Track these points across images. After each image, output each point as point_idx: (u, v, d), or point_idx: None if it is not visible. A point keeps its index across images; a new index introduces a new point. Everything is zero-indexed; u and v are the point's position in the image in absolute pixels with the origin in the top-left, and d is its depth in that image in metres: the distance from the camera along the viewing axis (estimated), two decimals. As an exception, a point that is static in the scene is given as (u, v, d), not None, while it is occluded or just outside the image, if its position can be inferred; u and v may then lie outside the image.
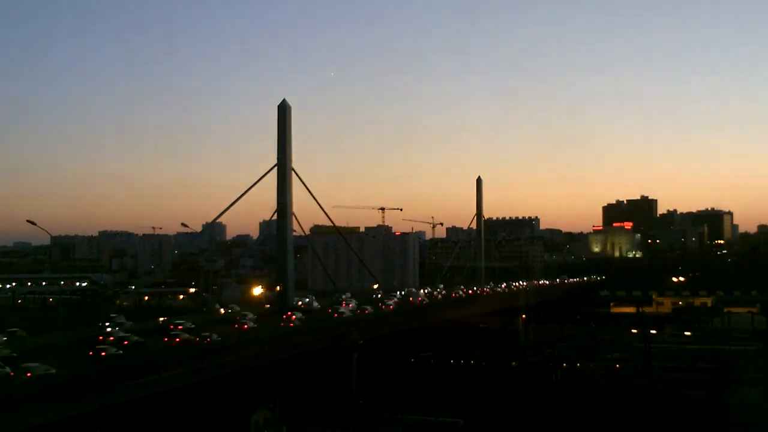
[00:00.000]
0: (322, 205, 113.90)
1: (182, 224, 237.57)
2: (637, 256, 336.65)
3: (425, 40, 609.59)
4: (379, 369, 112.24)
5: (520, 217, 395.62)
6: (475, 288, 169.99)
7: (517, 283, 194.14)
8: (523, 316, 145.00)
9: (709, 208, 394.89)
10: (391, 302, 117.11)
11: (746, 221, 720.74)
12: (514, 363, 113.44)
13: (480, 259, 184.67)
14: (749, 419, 73.15)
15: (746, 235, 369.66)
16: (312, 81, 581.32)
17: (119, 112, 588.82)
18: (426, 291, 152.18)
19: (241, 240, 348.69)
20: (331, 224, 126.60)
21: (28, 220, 67.57)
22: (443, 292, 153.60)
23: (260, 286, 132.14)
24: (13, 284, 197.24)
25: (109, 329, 74.32)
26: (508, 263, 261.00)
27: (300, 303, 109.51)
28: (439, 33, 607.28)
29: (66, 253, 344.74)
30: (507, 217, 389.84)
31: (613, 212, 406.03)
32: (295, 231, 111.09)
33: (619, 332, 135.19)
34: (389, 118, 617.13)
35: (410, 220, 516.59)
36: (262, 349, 70.56)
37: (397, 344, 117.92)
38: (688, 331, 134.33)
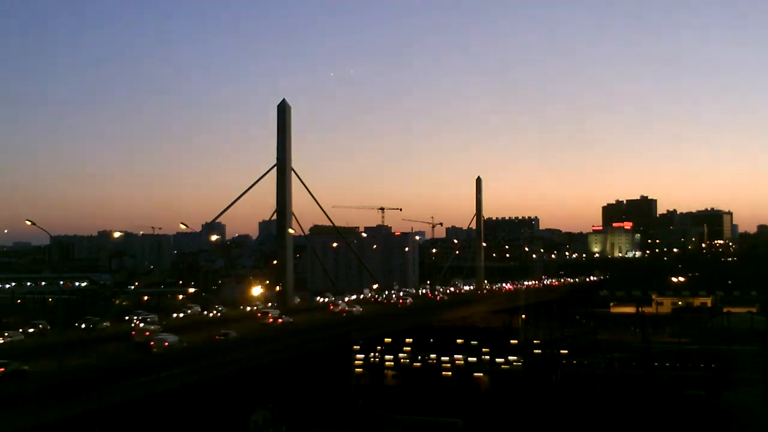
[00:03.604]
0: (322, 205, 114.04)
1: (182, 224, 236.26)
2: (637, 256, 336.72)
3: (425, 40, 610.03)
4: (379, 369, 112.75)
5: (520, 217, 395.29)
6: (470, 288, 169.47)
7: (516, 283, 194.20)
8: (523, 316, 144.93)
9: (709, 208, 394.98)
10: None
11: (746, 221, 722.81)
12: (514, 363, 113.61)
13: (479, 259, 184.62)
14: (748, 419, 73.14)
15: (746, 235, 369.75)
16: (312, 81, 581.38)
17: (119, 112, 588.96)
18: (402, 292, 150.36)
19: (241, 240, 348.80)
20: (331, 224, 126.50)
21: (28, 220, 67.08)
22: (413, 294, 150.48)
23: (259, 286, 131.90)
24: (13, 284, 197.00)
25: None
26: (508, 263, 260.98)
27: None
28: (439, 33, 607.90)
29: (66, 253, 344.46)
30: (507, 217, 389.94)
31: (613, 212, 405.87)
32: (294, 231, 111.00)
33: (619, 332, 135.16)
34: (389, 118, 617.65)
35: (410, 220, 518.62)
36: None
37: (397, 344, 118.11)
38: (687, 331, 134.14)
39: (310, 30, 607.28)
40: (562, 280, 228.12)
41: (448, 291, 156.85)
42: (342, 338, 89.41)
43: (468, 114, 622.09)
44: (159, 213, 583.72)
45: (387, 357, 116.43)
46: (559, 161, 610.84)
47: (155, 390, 53.83)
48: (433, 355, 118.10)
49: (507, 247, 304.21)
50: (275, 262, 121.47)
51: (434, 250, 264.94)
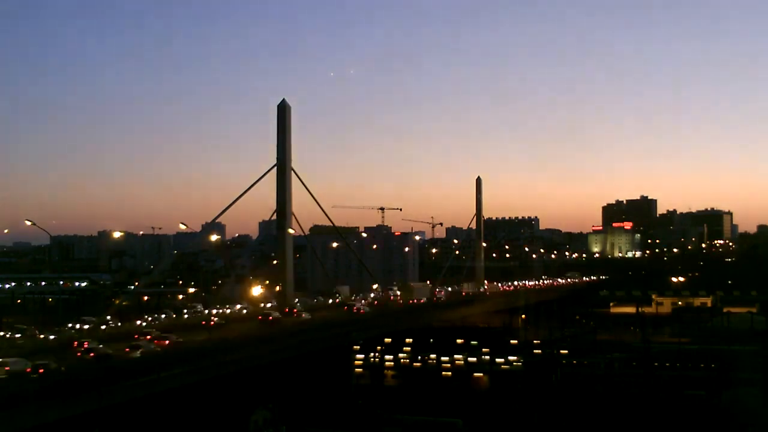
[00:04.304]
0: (322, 205, 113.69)
1: (182, 224, 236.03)
2: (637, 256, 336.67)
3: (425, 40, 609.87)
4: (379, 369, 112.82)
5: (520, 217, 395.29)
6: (465, 288, 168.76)
7: (516, 283, 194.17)
8: (523, 316, 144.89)
9: (709, 208, 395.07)
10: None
11: (746, 221, 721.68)
12: (514, 363, 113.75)
13: (479, 259, 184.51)
14: (748, 419, 73.15)
15: (746, 235, 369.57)
16: (312, 81, 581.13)
17: (119, 112, 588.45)
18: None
19: (241, 240, 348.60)
20: (331, 224, 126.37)
21: (28, 220, 66.99)
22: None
23: (259, 286, 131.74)
24: (13, 284, 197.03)
25: None
26: (508, 263, 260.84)
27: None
28: (439, 32, 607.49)
29: (66, 253, 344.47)
30: (507, 217, 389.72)
31: (613, 212, 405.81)
32: (294, 231, 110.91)
33: (619, 332, 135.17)
34: (389, 117, 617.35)
35: (410, 220, 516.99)
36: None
37: (397, 344, 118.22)
38: (687, 331, 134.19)
39: (310, 30, 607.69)
40: (563, 280, 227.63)
41: (444, 292, 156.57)
42: (342, 338, 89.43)
43: (468, 114, 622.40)
44: (159, 213, 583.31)
45: (387, 357, 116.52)
46: (559, 161, 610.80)
47: (155, 390, 53.84)
48: (432, 355, 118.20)
49: (507, 247, 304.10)
50: (275, 262, 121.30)
51: (434, 250, 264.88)
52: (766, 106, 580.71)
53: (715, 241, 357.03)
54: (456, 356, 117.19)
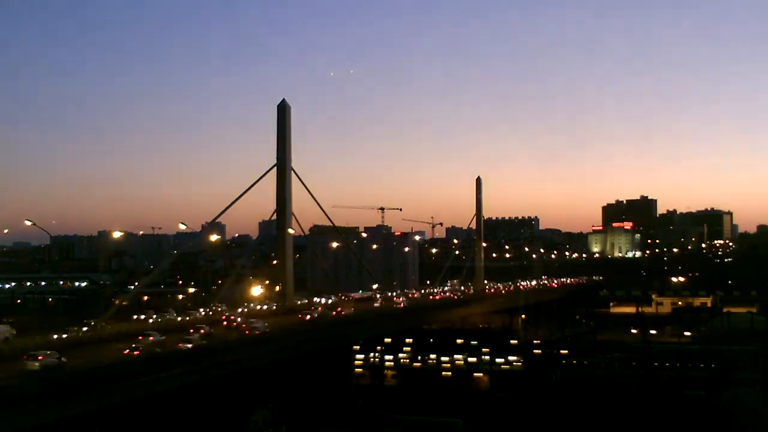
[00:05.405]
0: (322, 205, 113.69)
1: (182, 224, 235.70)
2: (637, 256, 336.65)
3: (425, 40, 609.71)
4: (379, 369, 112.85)
5: (520, 217, 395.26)
6: (464, 288, 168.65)
7: (516, 283, 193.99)
8: (523, 316, 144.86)
9: (709, 208, 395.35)
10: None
11: (746, 221, 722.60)
12: (514, 363, 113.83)
13: (479, 259, 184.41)
14: (748, 419, 73.17)
15: (746, 235, 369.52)
16: (312, 81, 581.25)
17: (119, 112, 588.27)
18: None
19: (241, 240, 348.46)
20: (331, 224, 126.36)
21: (28, 220, 66.86)
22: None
23: (259, 286, 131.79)
24: (13, 284, 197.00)
25: None
26: (508, 263, 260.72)
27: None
28: (440, 32, 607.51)
29: (66, 253, 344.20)
30: (507, 217, 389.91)
31: (613, 212, 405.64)
32: (294, 231, 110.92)
33: (619, 332, 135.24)
34: (389, 118, 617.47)
35: (410, 220, 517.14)
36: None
37: (397, 344, 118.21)
38: (687, 331, 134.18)
39: (310, 30, 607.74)
40: (563, 280, 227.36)
41: (444, 292, 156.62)
42: (342, 338, 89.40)
43: (468, 114, 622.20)
44: (159, 213, 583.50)
45: (387, 357, 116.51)
46: (559, 161, 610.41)
47: (155, 390, 53.79)
48: (432, 356, 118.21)
49: (507, 247, 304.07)
50: (275, 262, 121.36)
51: (434, 250, 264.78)
52: (766, 105, 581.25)
53: (715, 241, 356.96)
54: (456, 356, 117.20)
